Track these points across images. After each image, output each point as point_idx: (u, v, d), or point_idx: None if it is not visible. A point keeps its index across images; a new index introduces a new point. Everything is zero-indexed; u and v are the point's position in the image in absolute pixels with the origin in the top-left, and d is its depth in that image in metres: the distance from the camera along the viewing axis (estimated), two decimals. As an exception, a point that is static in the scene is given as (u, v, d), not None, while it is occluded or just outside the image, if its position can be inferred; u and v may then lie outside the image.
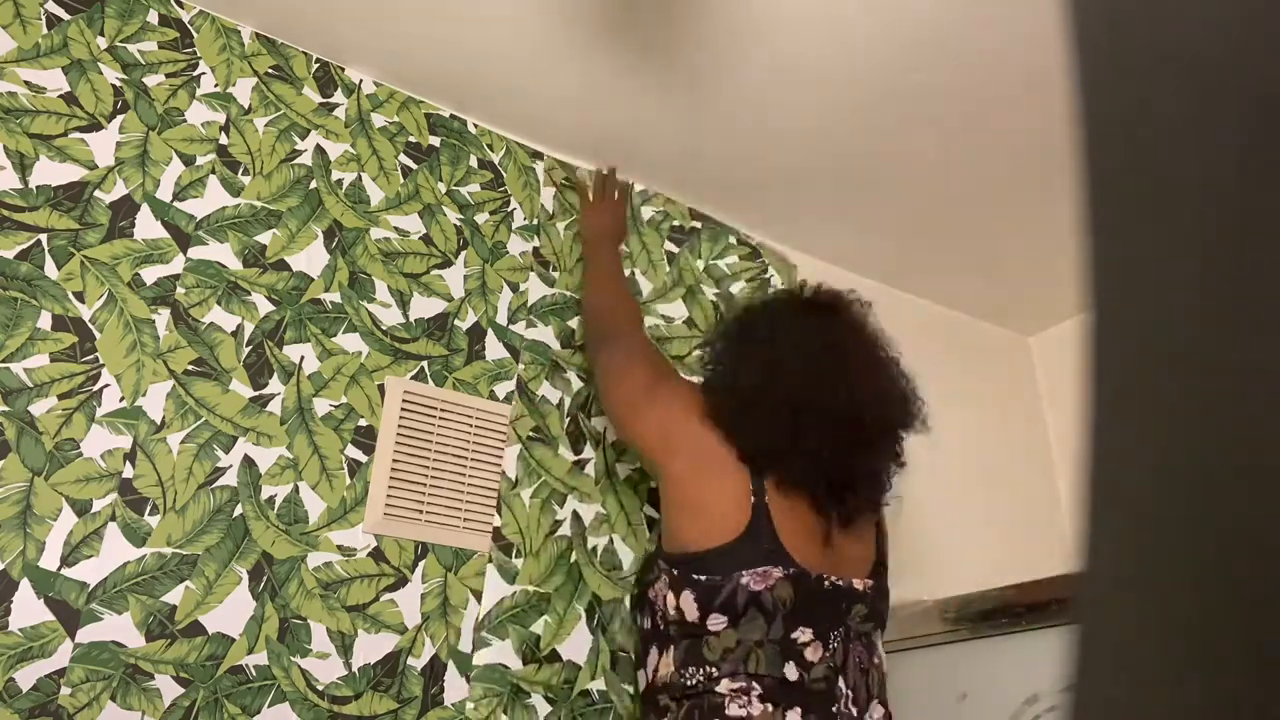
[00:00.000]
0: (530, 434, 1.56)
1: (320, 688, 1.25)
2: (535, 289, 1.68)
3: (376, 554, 1.36)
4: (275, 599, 1.26)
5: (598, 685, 1.45)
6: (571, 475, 1.57)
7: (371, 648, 1.31)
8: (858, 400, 1.22)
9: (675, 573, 1.24)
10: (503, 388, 1.57)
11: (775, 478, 1.23)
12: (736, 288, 1.91)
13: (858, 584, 1.26)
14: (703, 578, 1.20)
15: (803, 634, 1.18)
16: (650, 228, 1.87)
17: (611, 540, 1.56)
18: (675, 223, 1.90)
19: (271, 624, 1.25)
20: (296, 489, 1.33)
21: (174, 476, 1.26)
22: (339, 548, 1.33)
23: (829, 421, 1.20)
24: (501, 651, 1.40)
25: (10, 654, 1.09)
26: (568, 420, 1.61)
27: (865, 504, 1.31)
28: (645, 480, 1.64)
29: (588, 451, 1.61)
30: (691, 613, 1.20)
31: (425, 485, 1.43)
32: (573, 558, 1.51)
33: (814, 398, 1.21)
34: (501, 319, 1.62)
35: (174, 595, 1.20)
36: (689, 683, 1.18)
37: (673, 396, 1.34)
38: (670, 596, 1.24)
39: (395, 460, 1.41)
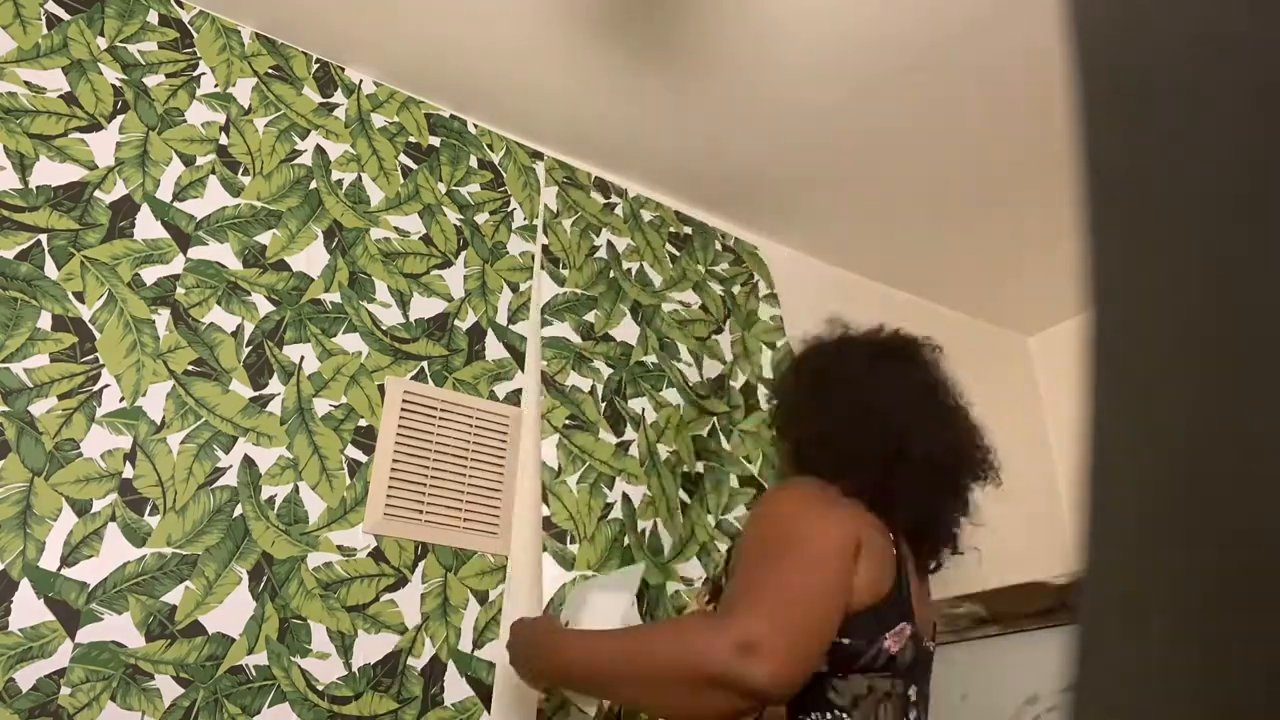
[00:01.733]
0: (567, 422, 1.56)
1: (320, 688, 1.25)
2: (547, 288, 1.68)
3: (376, 554, 1.36)
4: (275, 599, 1.26)
5: None
6: (617, 458, 1.58)
7: (371, 648, 1.31)
8: (949, 447, 1.15)
9: None
10: (503, 387, 1.57)
11: (893, 525, 1.13)
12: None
13: (931, 645, 1.16)
14: (845, 641, 1.01)
15: (912, 690, 1.08)
16: (651, 228, 1.88)
17: (655, 524, 1.57)
18: (671, 229, 1.91)
19: (271, 624, 1.25)
20: (296, 489, 1.33)
21: (174, 476, 1.26)
22: (339, 548, 1.33)
23: (925, 466, 1.11)
24: None
25: (10, 654, 1.09)
26: (604, 405, 1.61)
27: (942, 558, 1.23)
28: (682, 464, 1.65)
29: (629, 433, 1.62)
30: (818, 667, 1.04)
31: (425, 485, 1.43)
32: (625, 541, 1.52)
33: (911, 442, 1.11)
34: (501, 319, 1.62)
35: (174, 595, 1.20)
36: None
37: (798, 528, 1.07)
38: None
39: (395, 460, 1.41)
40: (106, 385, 1.25)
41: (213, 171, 1.44)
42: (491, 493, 1.48)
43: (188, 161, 1.43)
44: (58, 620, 1.13)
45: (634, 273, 1.81)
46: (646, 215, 1.89)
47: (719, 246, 1.96)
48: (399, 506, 1.39)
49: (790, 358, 1.27)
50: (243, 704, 1.19)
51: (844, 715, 1.02)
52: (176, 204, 1.39)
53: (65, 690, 1.10)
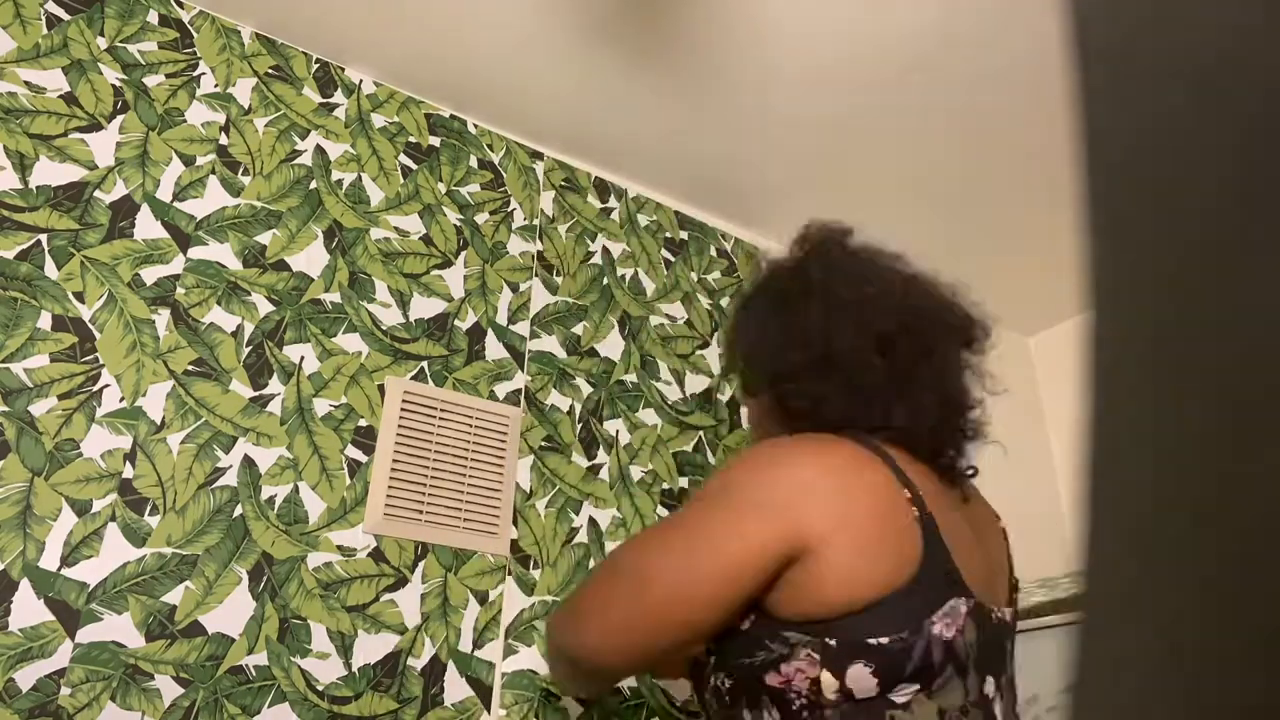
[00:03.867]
0: (542, 443, 1.57)
1: (320, 688, 1.25)
2: (539, 296, 1.68)
3: (376, 554, 1.36)
4: (275, 599, 1.26)
5: (629, 682, 1.46)
6: (586, 481, 1.58)
7: (371, 648, 1.31)
8: (940, 327, 1.00)
9: (831, 643, 0.80)
10: (503, 388, 1.57)
11: (907, 458, 0.89)
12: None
13: (1007, 613, 0.92)
14: (884, 640, 0.79)
15: (989, 685, 0.85)
16: (647, 234, 1.88)
17: None
18: (667, 234, 1.91)
19: (271, 624, 1.25)
20: (296, 489, 1.33)
21: (174, 476, 1.26)
22: (339, 548, 1.33)
23: (927, 362, 0.97)
24: (529, 658, 1.41)
25: (10, 654, 1.09)
26: (579, 426, 1.62)
27: (964, 475, 1.00)
28: (661, 481, 1.66)
29: (601, 456, 1.62)
30: (864, 689, 0.80)
31: (425, 485, 1.43)
32: (590, 564, 1.53)
33: (905, 337, 0.98)
34: (501, 319, 1.62)
35: (174, 595, 1.20)
36: None
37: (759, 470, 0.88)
38: (826, 676, 0.80)
39: (395, 460, 1.41)
40: (106, 385, 1.25)
41: (213, 171, 1.44)
42: (491, 493, 1.48)
43: (188, 161, 1.43)
44: (58, 620, 1.13)
45: (627, 279, 1.81)
46: (644, 219, 1.89)
47: (714, 252, 1.97)
48: (399, 506, 1.39)
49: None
50: (243, 704, 1.19)
51: None
52: (176, 204, 1.39)
53: (65, 690, 1.10)
